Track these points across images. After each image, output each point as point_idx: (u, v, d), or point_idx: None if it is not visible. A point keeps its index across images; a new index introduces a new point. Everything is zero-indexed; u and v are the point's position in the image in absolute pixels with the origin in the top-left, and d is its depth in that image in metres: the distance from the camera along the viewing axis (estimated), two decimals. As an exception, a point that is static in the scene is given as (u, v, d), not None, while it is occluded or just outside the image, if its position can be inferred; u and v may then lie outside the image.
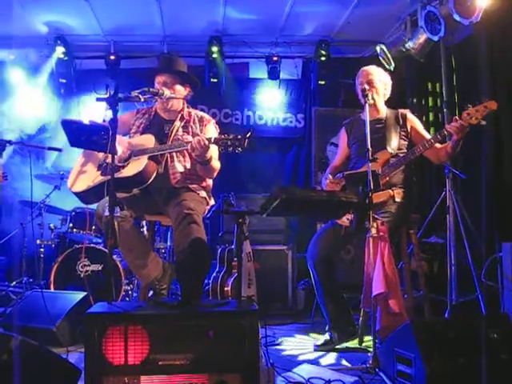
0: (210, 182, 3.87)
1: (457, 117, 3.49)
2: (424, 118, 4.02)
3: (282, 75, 7.02)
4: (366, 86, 3.77)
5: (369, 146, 3.32)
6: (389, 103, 4.11)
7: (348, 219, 3.66)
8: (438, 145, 3.71)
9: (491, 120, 4.62)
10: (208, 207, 3.84)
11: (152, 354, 2.37)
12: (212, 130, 3.80)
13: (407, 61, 5.90)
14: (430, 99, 5.62)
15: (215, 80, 6.63)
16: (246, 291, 3.55)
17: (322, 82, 6.75)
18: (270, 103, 7.23)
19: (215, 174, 3.74)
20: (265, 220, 5.36)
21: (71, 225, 5.38)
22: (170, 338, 2.39)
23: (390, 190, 3.73)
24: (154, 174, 3.59)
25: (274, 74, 6.87)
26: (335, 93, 6.95)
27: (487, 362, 2.64)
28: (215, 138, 3.27)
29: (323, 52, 6.64)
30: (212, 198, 3.90)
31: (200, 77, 6.26)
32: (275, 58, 6.77)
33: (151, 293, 3.86)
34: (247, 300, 3.33)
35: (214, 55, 6.53)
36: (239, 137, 3.17)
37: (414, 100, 5.96)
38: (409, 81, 6.21)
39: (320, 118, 6.87)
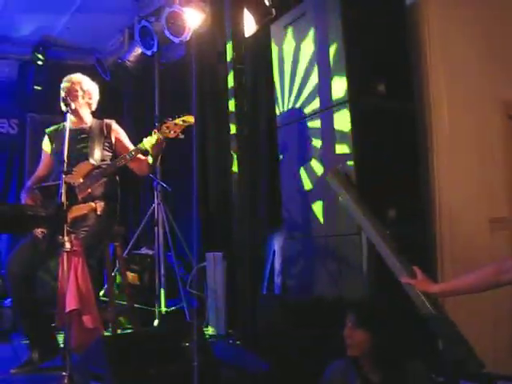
0: None
1: (156, 130, 3.54)
2: (138, 130, 4.07)
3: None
4: (67, 94, 3.67)
5: (65, 157, 3.14)
6: (102, 114, 4.01)
7: (42, 233, 3.48)
8: (141, 156, 3.72)
9: (198, 134, 4.88)
10: None
11: None
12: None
13: (124, 73, 5.92)
14: (145, 112, 5.72)
15: None
16: None
17: (39, 88, 6.43)
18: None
19: None
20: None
21: None
22: None
23: (92, 203, 3.61)
24: None
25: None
26: (53, 99, 6.66)
27: (179, 370, 2.77)
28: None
29: (40, 56, 6.34)
30: None
31: None
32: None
33: None
34: None
35: None
36: None
37: (130, 112, 6.01)
38: (125, 93, 6.25)
39: (36, 126, 6.52)
